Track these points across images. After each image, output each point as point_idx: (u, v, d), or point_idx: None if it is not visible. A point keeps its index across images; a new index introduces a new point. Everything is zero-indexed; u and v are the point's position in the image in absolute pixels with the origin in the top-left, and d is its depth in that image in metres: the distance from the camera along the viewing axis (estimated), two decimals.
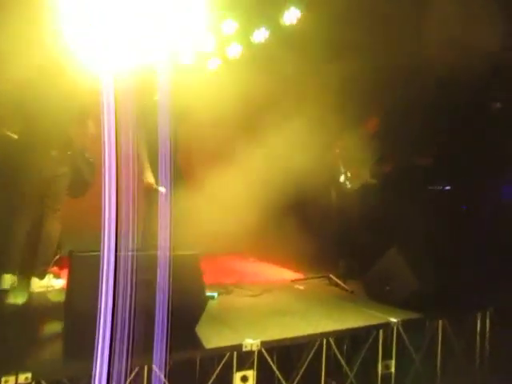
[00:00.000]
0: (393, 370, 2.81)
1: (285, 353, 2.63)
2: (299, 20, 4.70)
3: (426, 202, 5.03)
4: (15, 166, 3.34)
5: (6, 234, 3.38)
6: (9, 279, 3.30)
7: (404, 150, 4.81)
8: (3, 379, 1.75)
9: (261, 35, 4.93)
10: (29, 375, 1.81)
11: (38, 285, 3.32)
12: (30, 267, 3.37)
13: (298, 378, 2.49)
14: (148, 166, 3.80)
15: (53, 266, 4.06)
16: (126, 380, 2.04)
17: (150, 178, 3.76)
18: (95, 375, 1.92)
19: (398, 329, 2.84)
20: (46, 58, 3.38)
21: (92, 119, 3.50)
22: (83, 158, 3.61)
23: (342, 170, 4.37)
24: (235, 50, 5.16)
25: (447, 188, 5.08)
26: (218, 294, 3.40)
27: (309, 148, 5.13)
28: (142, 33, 3.92)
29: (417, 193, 5.08)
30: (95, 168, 3.64)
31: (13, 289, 3.27)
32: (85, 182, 3.61)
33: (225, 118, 5.23)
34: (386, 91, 4.94)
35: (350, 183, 4.66)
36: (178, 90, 3.99)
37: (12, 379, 1.77)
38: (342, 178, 4.65)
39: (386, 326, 2.81)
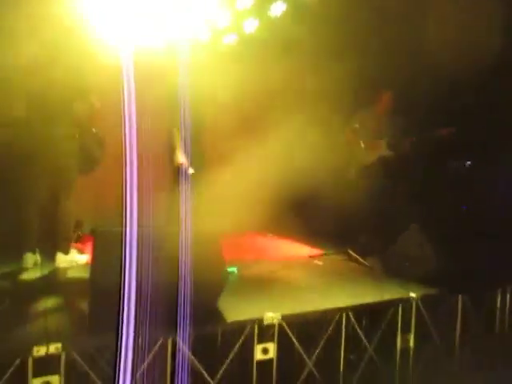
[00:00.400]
0: (412, 344, 2.83)
1: (304, 327, 2.66)
2: None
3: (447, 177, 4.95)
4: (25, 146, 3.34)
5: (20, 215, 3.44)
6: (31, 258, 3.38)
7: (421, 123, 4.72)
8: (35, 349, 1.83)
9: (278, 9, 4.84)
10: (59, 345, 1.88)
11: (63, 259, 3.40)
12: (53, 244, 3.46)
13: (317, 351, 2.53)
14: (179, 145, 3.77)
15: (76, 243, 4.18)
16: (150, 352, 2.11)
17: (181, 157, 3.73)
18: (121, 346, 1.98)
19: (417, 304, 2.85)
20: (47, 35, 3.30)
21: (95, 94, 3.48)
22: (91, 133, 3.60)
23: (362, 144, 4.31)
24: (252, 25, 5.08)
25: (468, 163, 4.99)
26: (238, 270, 3.44)
27: (327, 125, 5.08)
28: (159, 10, 3.89)
29: (437, 167, 5.01)
30: (103, 143, 3.66)
31: (37, 266, 3.37)
32: (94, 158, 3.61)
33: (244, 97, 5.18)
34: (400, 64, 4.83)
35: (368, 156, 4.61)
36: (197, 68, 3.97)
37: (43, 349, 1.84)
38: (359, 153, 4.60)
39: (406, 301, 2.82)
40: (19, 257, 3.36)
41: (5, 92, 3.41)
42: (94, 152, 3.58)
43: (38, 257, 3.44)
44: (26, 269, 3.32)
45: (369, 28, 4.93)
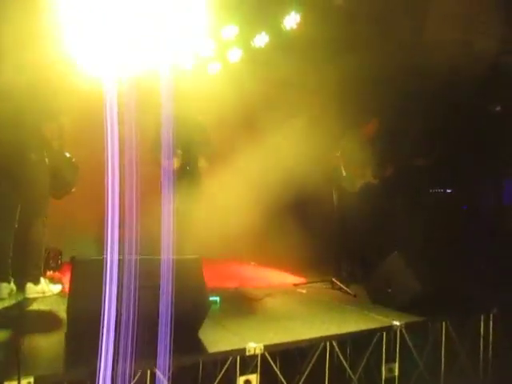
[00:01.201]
0: (396, 373, 2.80)
1: (288, 357, 2.62)
2: (299, 24, 4.72)
3: (427, 204, 5.03)
4: None
5: None
6: (6, 288, 3.26)
7: (404, 151, 4.82)
8: None
9: (261, 40, 4.96)
10: (31, 380, 1.80)
11: (33, 290, 3.27)
12: (23, 273, 3.32)
13: (301, 382, 2.48)
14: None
15: (54, 272, 4.07)
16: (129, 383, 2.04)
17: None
18: (98, 379, 1.91)
19: (401, 332, 2.83)
20: (16, 58, 3.25)
21: (66, 116, 3.43)
22: (63, 157, 3.51)
23: (344, 171, 4.36)
24: (236, 55, 5.19)
25: (448, 191, 5.09)
26: (221, 299, 3.39)
27: (309, 151, 5.14)
28: (142, 35, 3.94)
29: (418, 195, 5.09)
30: (77, 167, 3.57)
31: (11, 296, 3.25)
32: (67, 182, 3.52)
33: (224, 121, 5.24)
34: (385, 92, 4.96)
35: (351, 185, 4.66)
36: (180, 94, 4.01)
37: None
38: (343, 180, 4.65)
39: (389, 329, 2.80)
40: None
41: None
42: (67, 176, 3.48)
43: (12, 286, 3.32)
44: (1, 299, 3.20)
45: (351, 53, 5.07)
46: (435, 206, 5.03)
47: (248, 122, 5.64)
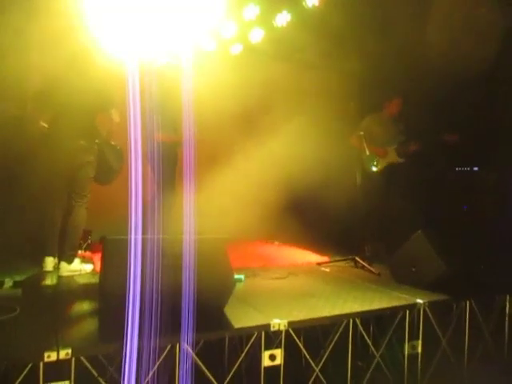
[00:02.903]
0: (419, 350, 2.82)
1: (311, 334, 2.67)
2: (321, 2, 4.65)
3: (454, 183, 4.95)
4: (46, 155, 3.47)
5: (45, 219, 3.54)
6: (51, 261, 3.50)
7: (429, 128, 4.73)
8: (46, 354, 1.86)
9: (283, 18, 4.90)
10: (69, 351, 1.91)
11: (66, 269, 3.45)
12: (60, 252, 3.52)
13: (324, 358, 2.54)
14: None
15: (85, 252, 4.23)
16: (157, 358, 2.13)
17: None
18: (126, 353, 2.00)
19: (424, 310, 2.85)
20: (75, 50, 3.47)
21: (116, 108, 3.58)
22: (110, 145, 3.69)
23: (367, 151, 4.33)
24: (258, 35, 5.15)
25: (475, 169, 4.99)
26: (245, 277, 3.46)
27: (332, 131, 5.11)
28: (165, 20, 3.96)
29: (444, 174, 5.01)
30: (122, 155, 3.73)
31: (56, 270, 3.46)
32: (112, 170, 3.69)
33: (248, 104, 5.24)
34: (407, 75, 4.87)
35: (375, 164, 4.63)
36: (201, 78, 4.03)
37: (54, 354, 1.87)
38: (366, 160, 4.62)
39: (413, 307, 2.82)
40: (38, 260, 3.48)
41: (31, 101, 3.55)
42: (113, 164, 3.66)
43: (56, 261, 3.51)
44: (47, 272, 3.44)
45: (374, 34, 4.98)
46: (461, 185, 4.95)
47: (270, 103, 5.63)
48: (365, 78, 5.60)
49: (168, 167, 4.20)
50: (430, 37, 4.45)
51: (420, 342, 2.82)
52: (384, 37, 4.83)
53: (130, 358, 2.01)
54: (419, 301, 2.85)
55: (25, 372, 1.86)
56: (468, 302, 3.04)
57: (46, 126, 3.48)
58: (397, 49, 4.82)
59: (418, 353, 2.82)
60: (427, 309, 2.86)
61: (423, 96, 4.70)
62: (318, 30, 4.91)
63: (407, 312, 2.80)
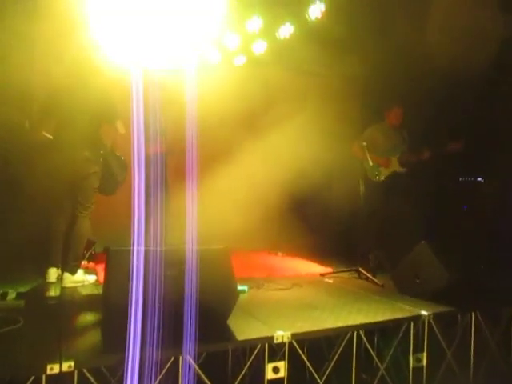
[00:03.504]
0: (424, 363, 2.79)
1: (315, 346, 2.65)
2: (324, 14, 4.69)
3: (456, 193, 4.94)
4: (51, 166, 3.49)
5: (48, 230, 3.55)
6: (54, 272, 3.51)
7: (432, 138, 4.74)
8: (49, 367, 1.85)
9: (286, 31, 4.95)
10: (72, 363, 1.90)
11: (69, 280, 3.46)
12: (63, 263, 3.53)
13: (328, 370, 2.51)
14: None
15: (88, 262, 4.23)
16: (160, 370, 2.12)
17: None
18: (128, 365, 1.99)
19: (429, 322, 2.83)
20: (79, 62, 3.51)
21: (121, 119, 3.61)
22: (114, 156, 3.72)
23: (370, 161, 4.33)
24: (261, 47, 5.19)
25: (479, 179, 4.97)
26: (249, 288, 3.45)
27: (335, 142, 5.12)
28: (169, 31, 4.00)
29: (447, 184, 5.00)
30: (126, 166, 3.75)
31: (59, 281, 3.47)
32: (116, 180, 3.71)
33: (250, 109, 5.27)
34: (409, 80, 4.89)
35: (379, 173, 4.63)
36: (205, 88, 4.06)
37: (56, 367, 1.87)
38: (369, 170, 4.62)
39: (417, 319, 2.80)
40: (41, 271, 3.50)
41: (36, 112, 3.59)
42: (117, 175, 3.67)
43: (60, 272, 3.51)
44: (50, 283, 3.45)
45: (375, 42, 5.01)
46: (464, 195, 4.94)
47: (272, 108, 5.65)
48: (367, 84, 5.62)
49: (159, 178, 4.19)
50: (431, 42, 4.48)
51: (425, 354, 2.80)
52: (385, 43, 4.86)
53: (132, 369, 2.00)
54: (424, 312, 2.83)
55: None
56: (473, 314, 3.01)
57: (50, 136, 3.51)
58: (399, 55, 4.85)
59: (422, 365, 2.79)
60: (432, 321, 2.84)
61: (425, 102, 4.71)
62: (320, 40, 4.95)
63: (412, 324, 2.78)
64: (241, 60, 5.43)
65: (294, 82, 5.66)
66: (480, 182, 4.95)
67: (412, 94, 4.87)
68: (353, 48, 5.44)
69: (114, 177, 3.69)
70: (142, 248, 2.33)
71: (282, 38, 4.99)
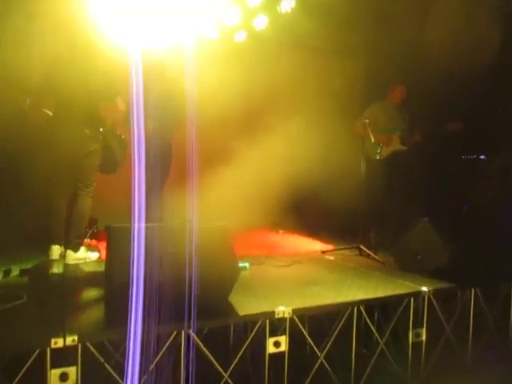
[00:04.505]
0: (423, 338, 2.83)
1: (316, 321, 2.69)
2: None
3: (458, 171, 4.92)
4: (51, 143, 3.48)
5: (50, 208, 3.56)
6: (57, 250, 3.53)
7: (434, 116, 4.70)
8: (53, 340, 1.88)
9: (287, 5, 4.85)
10: (75, 337, 1.93)
11: (72, 257, 3.49)
12: (66, 240, 3.55)
13: (329, 345, 2.55)
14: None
15: (91, 240, 4.26)
16: (162, 345, 2.15)
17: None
18: (130, 340, 2.02)
19: (429, 298, 2.85)
20: (77, 38, 3.45)
21: (121, 96, 3.57)
22: (114, 134, 3.69)
23: (373, 138, 4.30)
24: (262, 22, 5.10)
25: (482, 157, 4.95)
26: (250, 265, 3.47)
27: (335, 119, 5.08)
28: (168, 8, 3.93)
29: (448, 162, 4.98)
30: (127, 144, 3.73)
31: (62, 258, 3.50)
32: (116, 158, 3.69)
33: (254, 93, 5.21)
34: (413, 59, 4.82)
35: (380, 152, 4.61)
36: (205, 65, 4.01)
37: (60, 341, 1.90)
38: (370, 148, 4.59)
39: (417, 295, 2.83)
40: (44, 249, 3.52)
41: (35, 89, 3.56)
42: (117, 153, 3.65)
43: (63, 249, 3.54)
44: (53, 260, 3.47)
45: (379, 18, 4.92)
46: (466, 173, 4.92)
47: (274, 90, 5.59)
48: (370, 62, 5.54)
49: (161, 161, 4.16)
50: (436, 21, 4.40)
51: (424, 329, 2.83)
52: (389, 20, 4.77)
53: (134, 344, 2.03)
54: (424, 288, 2.85)
55: (32, 358, 1.88)
56: (473, 290, 3.04)
57: (50, 113, 3.48)
58: (402, 32, 4.76)
59: (422, 340, 2.83)
60: (432, 296, 2.86)
61: (428, 82, 4.65)
62: (322, 14, 4.86)
63: (412, 300, 2.81)
64: (241, 36, 5.33)
65: (294, 58, 5.57)
66: (483, 159, 4.92)
67: (415, 73, 4.80)
68: (355, 23, 5.34)
69: (114, 155, 3.67)
70: (143, 225, 2.34)
71: (283, 12, 4.89)
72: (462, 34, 4.11)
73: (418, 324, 2.83)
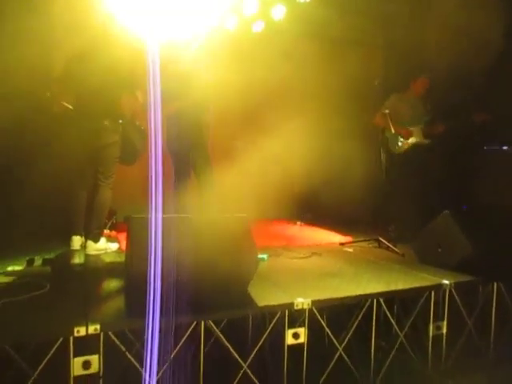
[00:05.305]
0: (444, 331, 2.79)
1: (335, 313, 2.67)
2: None
3: (480, 163, 4.82)
4: (71, 135, 3.51)
5: (71, 199, 3.62)
6: (78, 240, 3.60)
7: (458, 108, 4.59)
8: (75, 329, 1.91)
9: None
10: (98, 326, 1.96)
11: (92, 247, 3.54)
12: (86, 231, 3.60)
13: (348, 337, 2.54)
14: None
15: (110, 231, 4.31)
16: (182, 336, 2.17)
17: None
18: (149, 330, 2.04)
19: (450, 291, 2.81)
20: (97, 31, 3.47)
21: (140, 89, 3.58)
22: (134, 126, 3.71)
23: (393, 130, 4.22)
24: (280, 12, 5.04)
25: (504, 148, 4.82)
26: (268, 257, 3.47)
27: (355, 110, 5.02)
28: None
29: (471, 153, 4.87)
30: (146, 136, 3.75)
31: (83, 249, 3.56)
32: (136, 150, 3.71)
33: (268, 82, 5.17)
34: (434, 49, 4.71)
35: (401, 144, 4.53)
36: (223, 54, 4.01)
37: (83, 329, 1.93)
38: (391, 140, 4.52)
39: (438, 288, 2.79)
40: (65, 239, 3.59)
41: (56, 83, 3.60)
42: (137, 145, 3.68)
43: (83, 240, 3.59)
44: (74, 251, 3.54)
45: (399, 6, 4.82)
46: (489, 165, 4.81)
47: (293, 85, 5.54)
48: (390, 54, 5.45)
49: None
50: (457, 10, 4.28)
51: (445, 322, 2.79)
52: (411, 8, 4.67)
53: (153, 334, 2.05)
54: (445, 281, 2.81)
55: (56, 346, 1.92)
56: (495, 284, 2.98)
57: (70, 106, 3.51)
58: (425, 22, 4.66)
59: (442, 333, 2.80)
60: (453, 290, 2.82)
61: (452, 72, 4.54)
62: (340, 4, 4.79)
63: (432, 293, 2.77)
64: (259, 26, 5.28)
65: (312, 48, 5.51)
66: (506, 150, 4.80)
67: (436, 64, 4.69)
68: (375, 13, 5.25)
69: (133, 146, 3.70)
70: (163, 216, 2.35)
71: (301, 1, 4.83)
72: (486, 23, 4.00)
73: (438, 317, 2.79)
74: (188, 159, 4.21)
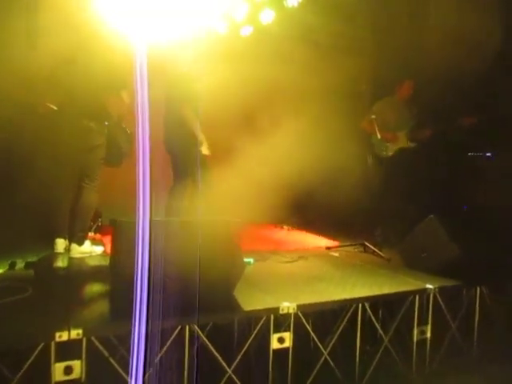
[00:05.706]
0: (428, 335, 2.82)
1: (320, 317, 2.67)
2: None
3: (465, 168, 4.88)
4: (56, 136, 3.47)
5: (55, 201, 3.57)
6: (62, 243, 3.52)
7: (443, 112, 4.64)
8: (57, 334, 1.88)
9: None
10: (80, 331, 1.93)
11: (77, 250, 3.48)
12: (70, 234, 3.55)
13: (333, 341, 2.54)
14: (203, 137, 3.90)
15: (95, 234, 4.26)
16: (167, 339, 2.15)
17: (205, 150, 3.92)
18: (135, 334, 2.01)
19: (434, 295, 2.84)
20: (81, 32, 3.44)
21: (126, 90, 3.56)
22: (120, 128, 3.68)
23: (379, 135, 4.26)
24: (268, 16, 5.06)
25: (488, 155, 4.90)
26: (255, 261, 3.47)
27: (342, 116, 5.04)
28: (175, 2, 3.90)
29: (456, 159, 4.93)
30: (132, 138, 3.72)
31: (66, 252, 3.50)
32: (121, 152, 3.68)
33: (256, 87, 5.18)
34: (422, 53, 4.77)
35: (386, 149, 4.57)
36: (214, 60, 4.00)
37: (65, 334, 1.90)
38: (377, 144, 4.56)
39: (423, 292, 2.81)
40: (49, 242, 3.52)
41: (41, 84, 3.56)
42: (122, 147, 3.64)
43: (67, 243, 3.54)
44: (58, 254, 3.47)
45: (386, 11, 4.87)
46: (473, 170, 4.87)
47: (281, 90, 5.55)
48: (377, 59, 5.50)
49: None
50: (446, 14, 4.35)
51: (429, 327, 2.82)
52: (397, 14, 4.72)
53: (139, 338, 2.02)
54: (429, 286, 2.84)
55: (37, 351, 1.89)
56: (478, 288, 3.02)
57: (54, 107, 3.47)
58: (411, 26, 4.71)
59: (426, 338, 2.82)
60: (437, 294, 2.85)
61: (438, 76, 4.59)
62: (329, 10, 4.82)
63: (417, 297, 2.79)
64: (247, 30, 5.29)
65: (300, 53, 5.53)
66: (489, 156, 4.88)
67: (424, 68, 4.75)
68: (362, 18, 5.29)
69: (119, 148, 3.67)
70: (149, 219, 2.33)
71: (290, 6, 4.85)
72: (472, 28, 4.06)
73: (422, 321, 2.81)
74: (187, 159, 4.16)
